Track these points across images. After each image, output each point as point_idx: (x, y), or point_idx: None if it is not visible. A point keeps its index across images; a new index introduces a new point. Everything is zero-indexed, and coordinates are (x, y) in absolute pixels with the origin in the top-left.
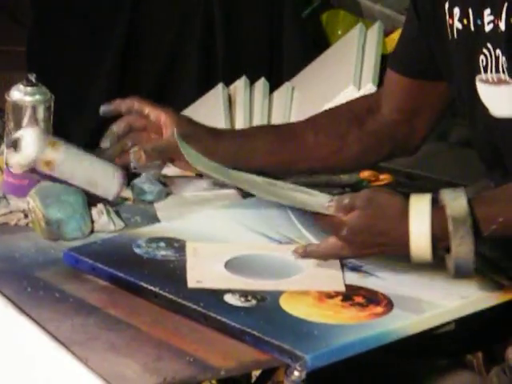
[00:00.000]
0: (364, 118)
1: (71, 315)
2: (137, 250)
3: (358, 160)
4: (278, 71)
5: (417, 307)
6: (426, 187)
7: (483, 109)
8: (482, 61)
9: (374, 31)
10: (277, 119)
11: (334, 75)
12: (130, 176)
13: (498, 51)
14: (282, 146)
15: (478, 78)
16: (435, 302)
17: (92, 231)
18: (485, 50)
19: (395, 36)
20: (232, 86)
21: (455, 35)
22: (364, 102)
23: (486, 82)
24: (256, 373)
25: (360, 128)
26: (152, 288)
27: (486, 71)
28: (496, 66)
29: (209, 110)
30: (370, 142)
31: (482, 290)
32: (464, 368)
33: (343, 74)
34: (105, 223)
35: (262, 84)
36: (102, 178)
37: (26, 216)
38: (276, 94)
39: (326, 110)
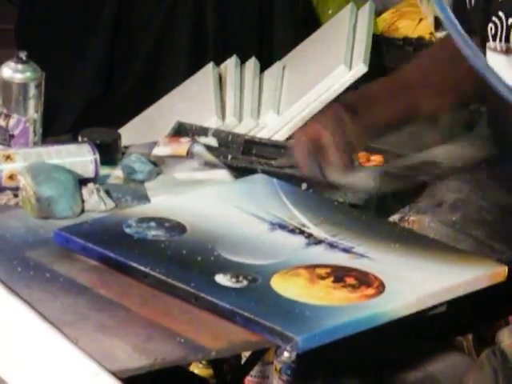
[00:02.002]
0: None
1: (61, 295)
2: (127, 230)
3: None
4: (268, 51)
5: (409, 289)
6: (415, 167)
7: None
8: (491, 29)
9: (365, 11)
10: (267, 99)
11: (325, 55)
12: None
13: (511, 20)
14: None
15: (487, 45)
16: (427, 283)
17: (82, 211)
18: (495, 19)
19: (386, 16)
20: (222, 65)
21: (472, 2)
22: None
23: (495, 50)
24: (246, 353)
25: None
26: (142, 268)
27: (494, 40)
28: (506, 36)
29: (199, 89)
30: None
31: (475, 272)
32: (454, 349)
33: (334, 54)
34: (95, 203)
35: (252, 63)
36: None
37: (15, 196)
38: (266, 73)
39: (421, 57)
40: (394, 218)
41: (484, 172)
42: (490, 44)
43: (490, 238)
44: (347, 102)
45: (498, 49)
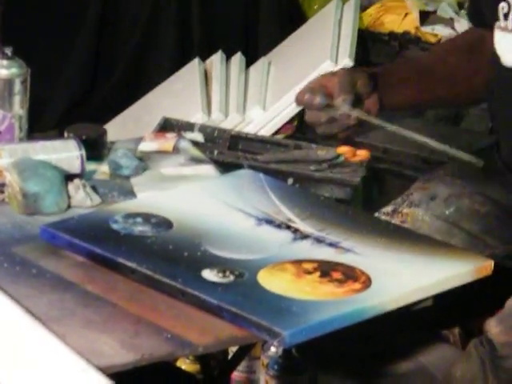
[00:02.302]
0: (478, 48)
1: (48, 291)
2: (114, 226)
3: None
4: (254, 46)
5: (395, 283)
6: (403, 163)
7: (496, 57)
8: (503, 8)
9: (351, 6)
10: (253, 94)
11: (311, 50)
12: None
13: None
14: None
15: (496, 24)
16: (414, 278)
17: (69, 207)
18: None
19: (372, 11)
20: (208, 61)
21: None
22: (472, 35)
23: (504, 29)
24: (233, 349)
25: (478, 56)
26: (129, 264)
27: (506, 19)
28: None
29: (185, 84)
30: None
31: (461, 266)
32: (445, 341)
33: (320, 49)
34: (81, 198)
35: (238, 59)
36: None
37: (1, 192)
38: (252, 68)
39: (440, 47)
40: (387, 209)
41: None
42: (501, 23)
43: (483, 233)
44: (365, 69)
45: (509, 27)
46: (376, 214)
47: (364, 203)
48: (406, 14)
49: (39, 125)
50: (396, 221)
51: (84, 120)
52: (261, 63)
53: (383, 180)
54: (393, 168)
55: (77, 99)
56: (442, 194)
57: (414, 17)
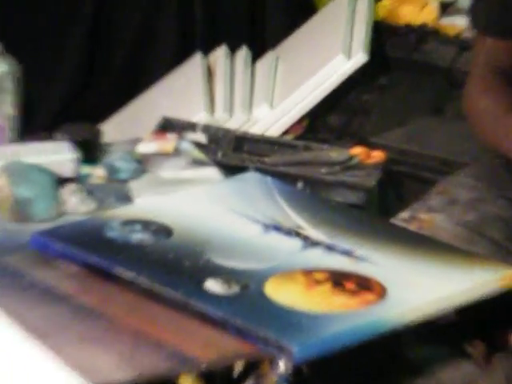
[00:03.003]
0: None
1: (40, 304)
2: (110, 234)
3: None
4: (260, 39)
5: (413, 294)
6: (421, 165)
7: None
8: None
9: None
10: (260, 91)
11: (322, 43)
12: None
13: None
14: None
15: None
16: (433, 288)
17: (62, 213)
18: None
19: (387, 2)
20: (211, 56)
21: None
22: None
23: None
24: (239, 365)
25: None
26: (127, 274)
27: None
28: None
29: (186, 81)
30: None
31: (484, 276)
32: (465, 357)
33: (332, 43)
34: (75, 204)
35: (243, 53)
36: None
37: None
38: (259, 63)
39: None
40: (404, 215)
41: (501, 167)
42: None
43: (507, 240)
44: None
45: None
46: (392, 221)
47: (379, 209)
48: (425, 5)
49: (31, 125)
50: (413, 228)
51: (78, 120)
52: (268, 58)
53: (400, 184)
54: (411, 171)
55: (71, 98)
56: (463, 199)
57: (433, 8)
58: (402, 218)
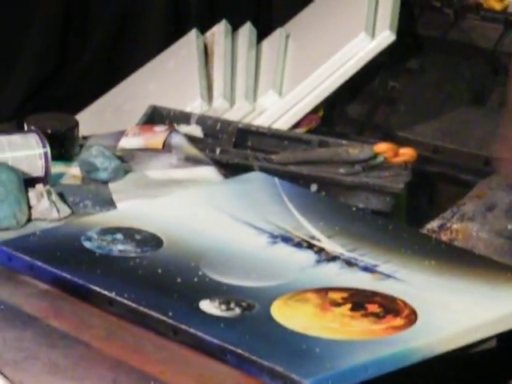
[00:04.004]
0: None
1: (3, 327)
2: (87, 244)
3: None
4: (267, 14)
5: (447, 319)
6: (459, 165)
7: None
8: None
9: None
10: (266, 74)
11: (341, 20)
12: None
13: None
14: None
15: None
16: (471, 311)
17: (29, 220)
18: None
19: None
20: (209, 33)
21: None
22: None
23: None
24: None
25: None
26: (106, 293)
27: None
28: None
29: (179, 62)
30: None
31: None
32: None
33: (352, 19)
34: (46, 209)
35: (247, 30)
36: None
37: None
38: (265, 42)
39: None
40: (433, 225)
41: None
42: None
43: None
44: None
45: None
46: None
47: (409, 216)
48: None
49: None
50: (443, 239)
51: (49, 109)
52: (276, 36)
53: (434, 187)
54: (446, 171)
55: (40, 82)
56: (503, 204)
57: None
58: (429, 229)
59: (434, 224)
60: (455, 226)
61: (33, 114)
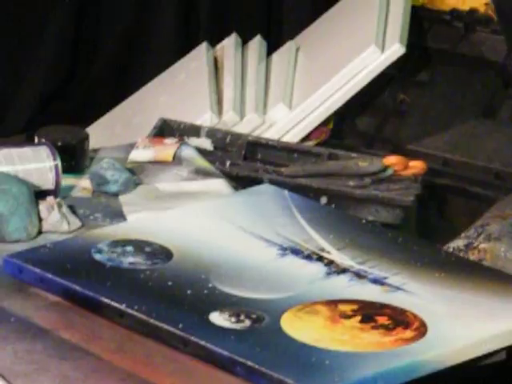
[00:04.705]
0: None
1: (13, 340)
2: (97, 256)
3: None
4: (278, 27)
5: (458, 331)
6: (468, 178)
7: None
8: None
9: None
10: (276, 87)
11: (350, 33)
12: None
13: None
14: None
15: None
16: (482, 324)
17: (40, 232)
18: None
19: None
20: (219, 46)
21: None
22: None
23: None
24: None
25: None
26: (117, 305)
27: None
28: None
29: (189, 75)
30: None
31: None
32: None
33: (362, 32)
34: (56, 222)
35: (257, 43)
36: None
37: None
38: (275, 55)
39: None
40: (458, 244)
41: None
42: None
43: None
44: None
45: None
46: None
47: (419, 229)
48: None
49: (3, 127)
50: (471, 258)
51: (60, 121)
52: (286, 49)
53: (444, 199)
54: (456, 184)
55: (50, 95)
56: None
57: None
58: (456, 247)
59: (459, 243)
60: (482, 246)
61: (43, 126)
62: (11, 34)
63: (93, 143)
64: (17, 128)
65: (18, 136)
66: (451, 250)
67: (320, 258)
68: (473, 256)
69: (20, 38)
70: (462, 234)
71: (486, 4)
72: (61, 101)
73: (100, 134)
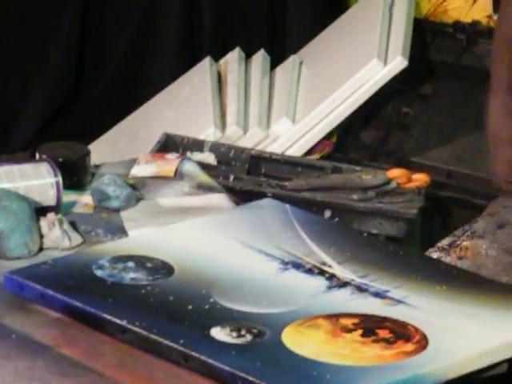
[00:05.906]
0: None
1: (14, 357)
2: (98, 273)
3: None
4: (281, 41)
5: (458, 344)
6: (472, 190)
7: None
8: None
9: None
10: (279, 101)
11: (353, 47)
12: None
13: None
14: None
15: None
16: (482, 336)
17: (41, 249)
18: None
19: None
20: (222, 60)
21: None
22: None
23: None
24: None
25: None
26: (118, 321)
27: None
28: None
29: (193, 90)
30: None
31: None
32: None
33: (365, 45)
34: (57, 238)
35: (260, 57)
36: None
37: None
38: (279, 69)
39: None
40: (443, 243)
41: None
42: None
43: None
44: None
45: None
46: (429, 250)
47: (422, 242)
48: (475, 0)
49: (7, 144)
50: (452, 257)
51: (63, 137)
52: (290, 63)
53: (448, 211)
54: (460, 196)
55: (55, 111)
56: None
57: (486, 2)
58: (440, 246)
59: (444, 242)
60: (465, 244)
61: (45, 143)
62: (16, 52)
63: (97, 158)
64: (22, 144)
65: (23, 152)
66: (436, 249)
67: (321, 272)
68: (454, 254)
69: (24, 54)
70: (452, 233)
71: (489, 16)
72: (66, 117)
73: (105, 148)
